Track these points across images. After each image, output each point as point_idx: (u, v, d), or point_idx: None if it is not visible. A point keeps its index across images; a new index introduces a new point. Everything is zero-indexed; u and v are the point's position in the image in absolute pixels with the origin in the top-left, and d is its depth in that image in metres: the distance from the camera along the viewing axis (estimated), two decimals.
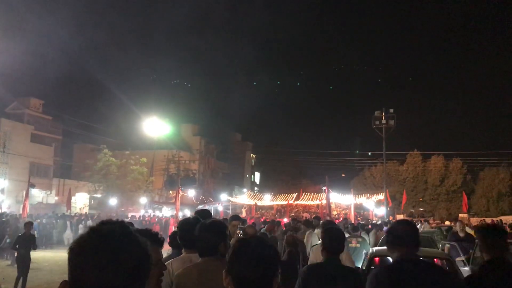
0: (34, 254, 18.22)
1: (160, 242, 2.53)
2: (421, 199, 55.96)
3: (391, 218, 37.57)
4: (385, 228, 17.38)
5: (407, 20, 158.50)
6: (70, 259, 1.18)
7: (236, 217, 6.33)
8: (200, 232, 3.02)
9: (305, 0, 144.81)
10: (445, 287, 2.92)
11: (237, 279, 1.80)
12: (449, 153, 55.44)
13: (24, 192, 27.93)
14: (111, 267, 1.13)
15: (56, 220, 26.25)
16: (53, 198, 38.05)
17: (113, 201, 37.15)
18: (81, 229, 27.01)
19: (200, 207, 41.46)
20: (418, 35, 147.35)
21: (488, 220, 30.69)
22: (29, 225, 12.50)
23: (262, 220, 26.88)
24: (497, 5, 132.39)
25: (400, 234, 3.05)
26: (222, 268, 2.84)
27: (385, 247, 3.76)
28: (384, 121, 41.26)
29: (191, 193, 45.10)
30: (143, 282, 1.22)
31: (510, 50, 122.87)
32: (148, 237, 2.30)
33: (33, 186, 29.22)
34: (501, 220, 27.10)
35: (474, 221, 34.03)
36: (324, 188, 34.70)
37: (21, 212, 25.20)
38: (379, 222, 22.80)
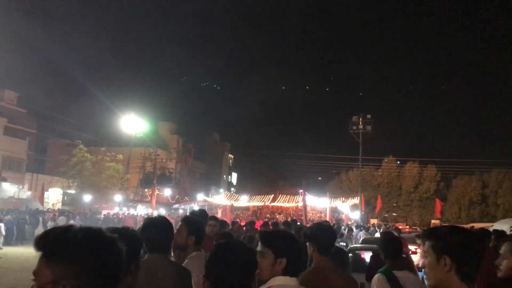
0: (4, 251, 17.78)
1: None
2: (395, 204, 56.70)
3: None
4: (361, 232, 17.75)
5: (386, 26, 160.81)
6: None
7: (213, 218, 6.36)
8: (150, 228, 2.99)
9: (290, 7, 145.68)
10: None
11: (217, 283, 1.76)
12: (424, 160, 56.42)
13: None
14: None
15: (28, 216, 25.68)
16: (25, 193, 37.19)
17: (87, 198, 36.58)
18: (50, 226, 26.43)
19: (176, 206, 41.19)
20: (396, 41, 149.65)
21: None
22: None
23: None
24: (478, 10, 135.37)
25: None
26: (167, 266, 2.87)
27: None
28: (361, 126, 41.73)
29: (167, 192, 44.71)
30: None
31: (488, 60, 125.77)
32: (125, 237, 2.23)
33: (4, 180, 28.58)
34: (473, 226, 27.64)
35: None
36: (301, 190, 34.84)
37: None
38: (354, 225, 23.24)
